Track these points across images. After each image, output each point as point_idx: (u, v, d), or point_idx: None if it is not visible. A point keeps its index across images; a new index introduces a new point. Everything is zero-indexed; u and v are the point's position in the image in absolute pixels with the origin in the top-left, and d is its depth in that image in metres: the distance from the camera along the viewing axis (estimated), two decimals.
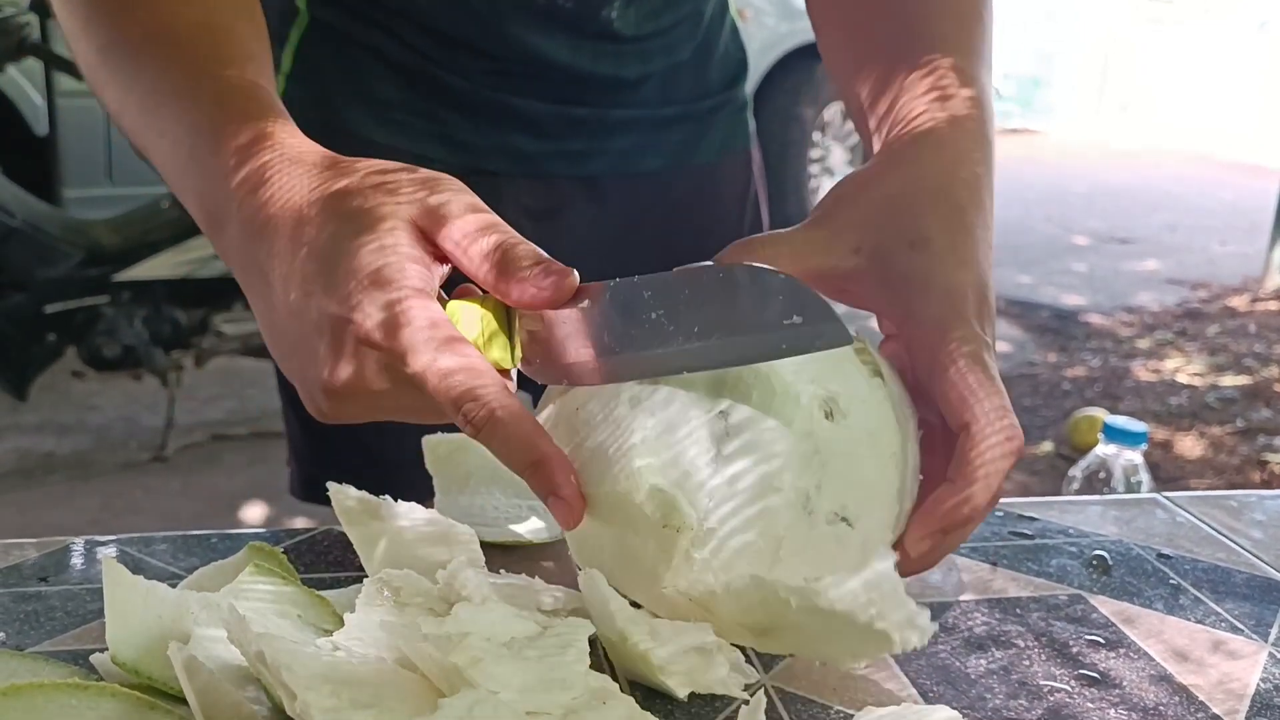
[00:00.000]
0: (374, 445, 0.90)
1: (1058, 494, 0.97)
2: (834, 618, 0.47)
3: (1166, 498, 0.83)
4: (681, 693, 0.52)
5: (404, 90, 0.87)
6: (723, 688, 0.52)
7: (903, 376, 0.54)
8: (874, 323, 0.58)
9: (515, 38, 0.84)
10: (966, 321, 0.52)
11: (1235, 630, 0.64)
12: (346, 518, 0.61)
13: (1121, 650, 0.61)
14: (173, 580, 0.60)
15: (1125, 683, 0.58)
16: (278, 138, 0.53)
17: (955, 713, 0.51)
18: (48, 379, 3.05)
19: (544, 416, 0.54)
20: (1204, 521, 0.79)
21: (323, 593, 0.57)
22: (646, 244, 0.90)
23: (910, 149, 0.58)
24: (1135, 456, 1.37)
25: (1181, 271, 5.74)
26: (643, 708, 0.48)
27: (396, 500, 0.61)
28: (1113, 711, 0.55)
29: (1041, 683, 0.57)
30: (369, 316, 0.47)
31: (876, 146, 0.62)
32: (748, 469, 0.49)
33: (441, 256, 0.50)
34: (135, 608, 0.51)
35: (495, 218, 0.50)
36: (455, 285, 0.52)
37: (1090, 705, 0.55)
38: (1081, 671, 0.59)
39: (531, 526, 0.68)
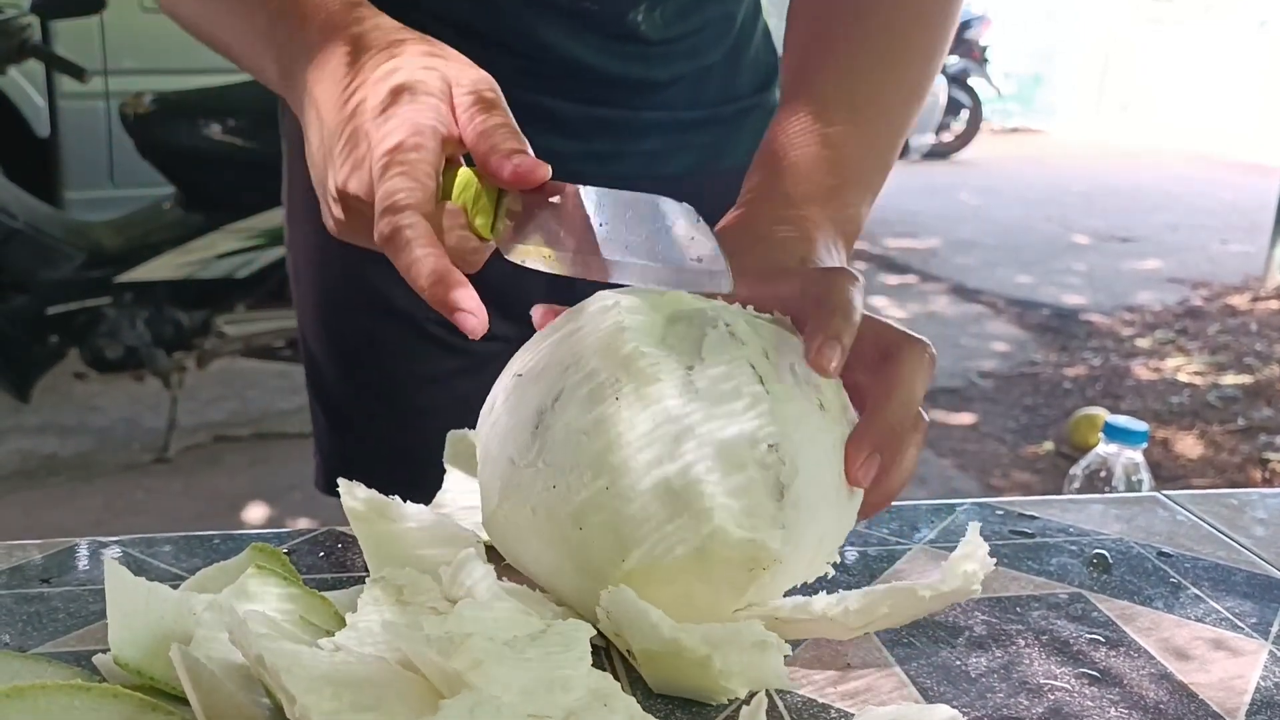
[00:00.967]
0: (398, 440, 0.90)
1: (1058, 493, 0.97)
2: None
3: (1167, 496, 0.83)
4: (743, 693, 0.52)
5: None
6: (779, 682, 0.53)
7: None
8: None
9: (543, 38, 0.85)
10: (841, 269, 0.60)
11: (1236, 628, 0.64)
12: (354, 516, 0.61)
13: (1122, 649, 0.61)
14: (175, 581, 0.60)
15: (1126, 681, 0.58)
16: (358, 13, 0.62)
17: (955, 711, 0.51)
18: (50, 380, 3.05)
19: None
20: (1204, 520, 0.79)
21: (325, 593, 0.57)
22: None
23: (771, 228, 0.67)
24: (1136, 455, 1.37)
25: (1182, 270, 5.74)
26: (644, 709, 0.48)
27: (408, 499, 0.62)
28: (1113, 710, 0.55)
29: (1042, 681, 0.57)
30: (381, 130, 0.55)
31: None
32: (800, 487, 0.53)
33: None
34: (137, 609, 0.51)
35: (498, 100, 0.57)
36: None
37: (1091, 704, 0.55)
38: (1082, 670, 0.59)
39: None
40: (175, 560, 0.66)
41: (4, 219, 2.77)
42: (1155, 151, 10.48)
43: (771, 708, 0.53)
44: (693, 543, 0.51)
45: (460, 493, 0.67)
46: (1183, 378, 4.07)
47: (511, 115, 0.58)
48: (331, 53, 0.60)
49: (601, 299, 0.57)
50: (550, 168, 0.56)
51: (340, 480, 0.61)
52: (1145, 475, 1.38)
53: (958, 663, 0.59)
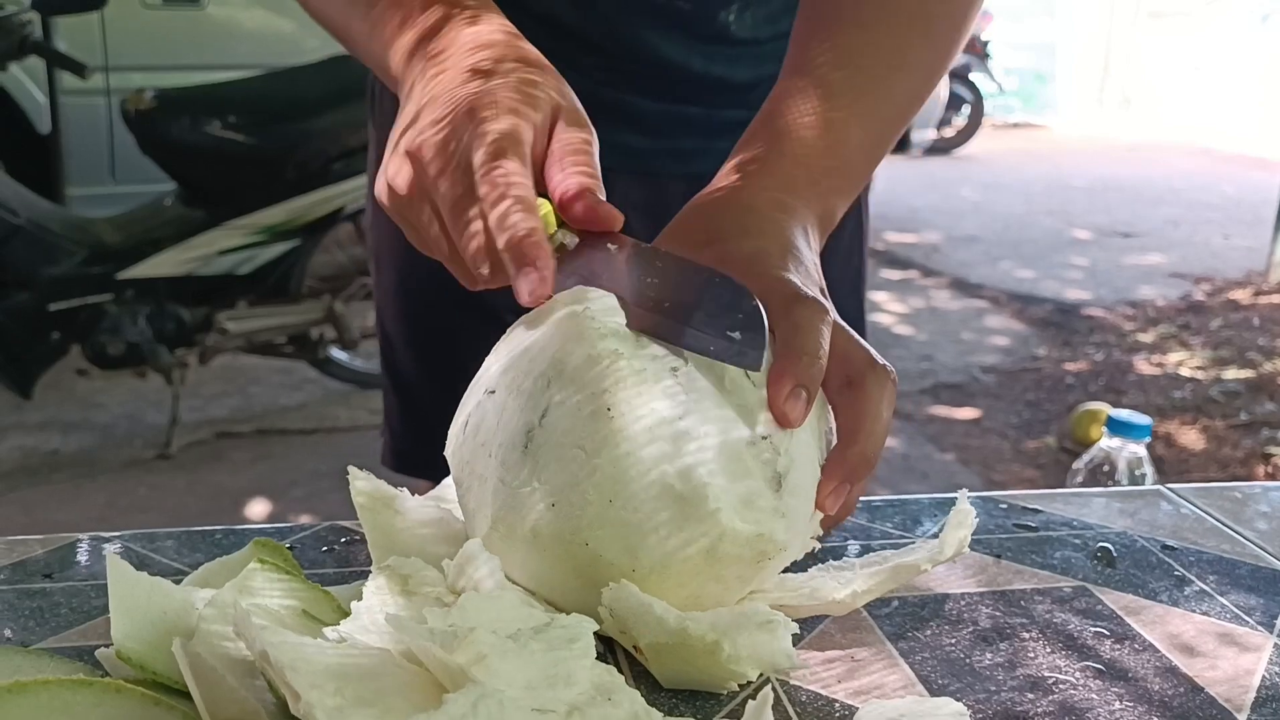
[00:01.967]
0: None
1: (1061, 488, 0.97)
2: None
3: (1171, 489, 0.83)
4: (753, 675, 0.52)
5: None
6: (788, 662, 0.53)
7: None
8: None
9: (633, 36, 0.85)
10: (781, 280, 0.59)
11: (1241, 622, 0.64)
12: (360, 506, 0.60)
13: (1127, 642, 0.61)
14: (177, 576, 0.60)
15: (1131, 675, 0.58)
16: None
17: (960, 705, 0.51)
18: (52, 377, 3.05)
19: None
20: (1209, 513, 0.79)
21: (327, 588, 0.57)
22: None
23: (750, 212, 0.66)
24: (1139, 450, 1.37)
25: (1184, 265, 5.73)
26: (648, 703, 0.48)
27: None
28: (1118, 703, 0.55)
29: (1047, 675, 0.57)
30: (487, 95, 0.56)
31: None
32: (794, 475, 0.54)
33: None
34: (139, 603, 0.51)
35: (590, 146, 0.58)
36: None
37: (1096, 697, 0.55)
38: (1087, 664, 0.58)
39: None
40: (177, 555, 0.66)
41: (5, 215, 2.77)
42: (1157, 146, 10.47)
43: (776, 702, 0.53)
44: (703, 544, 0.51)
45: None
46: (1185, 372, 4.07)
47: (598, 159, 0.58)
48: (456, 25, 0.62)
49: (564, 303, 0.56)
50: (623, 218, 0.56)
51: (350, 468, 0.61)
52: (1148, 469, 1.38)
53: (963, 657, 0.58)
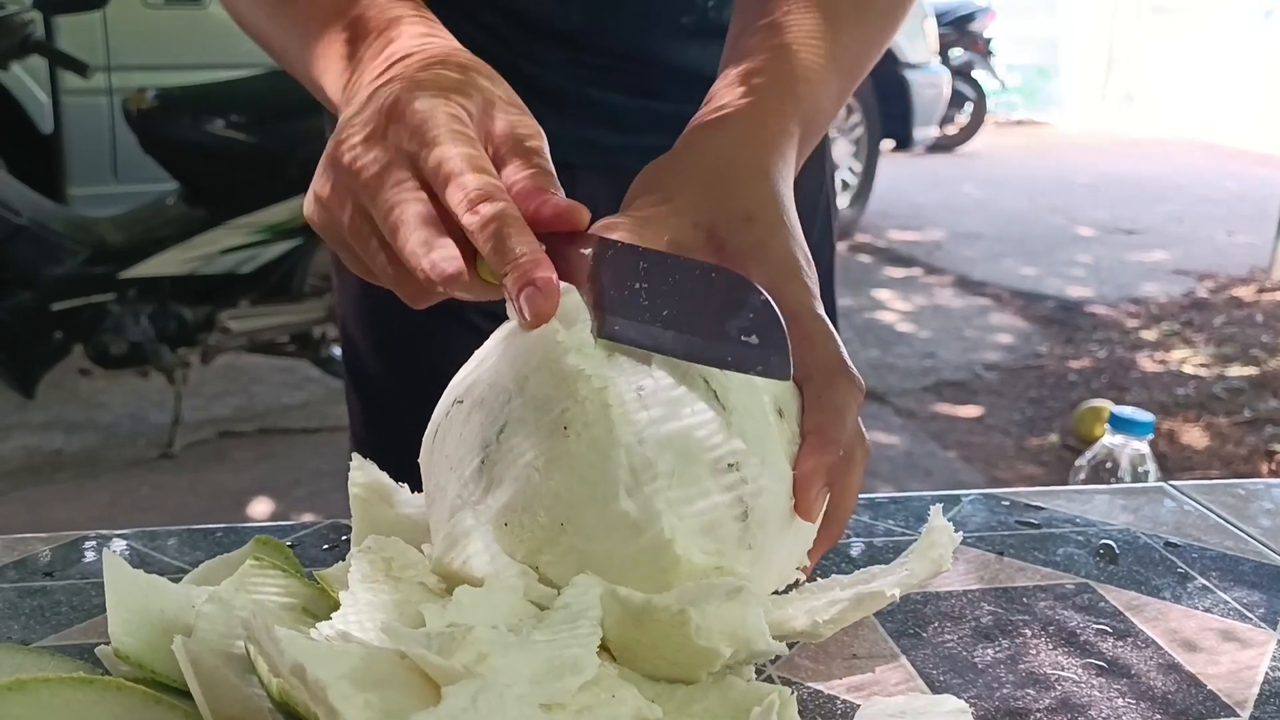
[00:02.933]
0: None
1: (1064, 485, 0.97)
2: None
3: (1174, 486, 0.83)
4: (727, 652, 0.49)
5: None
6: (761, 639, 0.49)
7: None
8: None
9: (602, 25, 0.84)
10: (806, 288, 0.55)
11: (1244, 619, 0.63)
12: (354, 497, 0.60)
13: (1130, 639, 0.61)
14: (180, 575, 0.60)
15: (1134, 672, 0.57)
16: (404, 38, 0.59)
17: (962, 702, 0.51)
18: (55, 376, 3.05)
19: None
20: (1212, 510, 0.79)
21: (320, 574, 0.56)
22: None
23: (719, 130, 0.62)
24: (1142, 447, 1.37)
25: (1188, 262, 5.72)
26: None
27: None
28: (1121, 700, 0.55)
29: (1049, 672, 0.57)
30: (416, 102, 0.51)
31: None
32: (765, 504, 0.50)
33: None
34: (137, 601, 0.51)
35: (539, 138, 0.54)
36: None
37: (1098, 694, 0.55)
38: (1090, 660, 0.58)
39: None
40: (179, 554, 0.66)
41: (8, 215, 2.77)
42: (1160, 142, 10.45)
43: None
44: (655, 576, 0.48)
45: None
46: (1188, 369, 4.06)
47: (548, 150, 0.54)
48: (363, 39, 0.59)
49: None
50: (590, 213, 0.51)
51: (355, 456, 0.61)
52: (1151, 466, 1.38)
53: (964, 653, 0.58)
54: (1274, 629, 0.63)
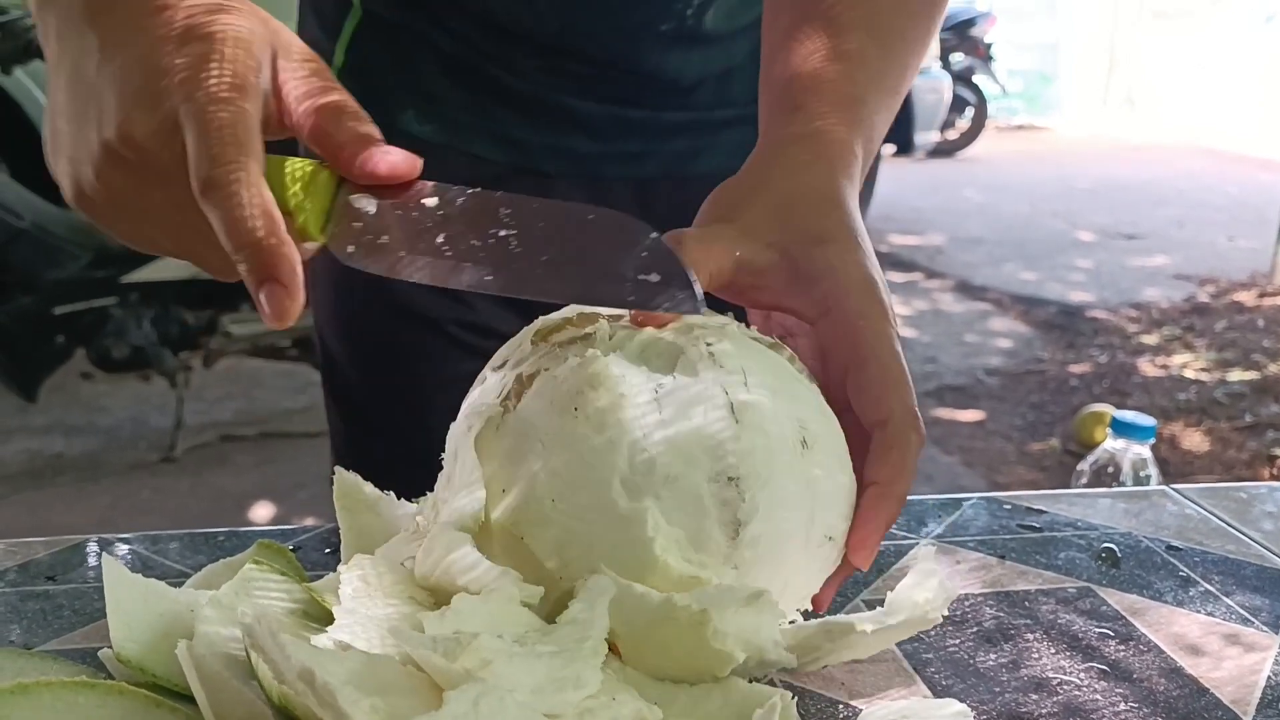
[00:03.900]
0: (415, 442, 0.89)
1: (1065, 490, 0.97)
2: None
3: (1175, 490, 0.83)
4: (740, 657, 0.48)
5: (457, 86, 0.85)
6: (775, 651, 0.49)
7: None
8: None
9: (578, 32, 0.82)
10: (885, 314, 0.54)
11: (1246, 623, 0.63)
12: (342, 504, 0.60)
13: (1132, 643, 0.61)
14: (182, 579, 0.60)
15: (1136, 676, 0.57)
16: None
17: (964, 706, 0.51)
18: (57, 380, 3.06)
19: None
20: (1214, 514, 0.79)
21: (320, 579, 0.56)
22: None
23: (789, 151, 0.60)
24: (1144, 451, 1.37)
25: (1189, 266, 5.73)
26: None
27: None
28: (1124, 705, 0.55)
29: (1051, 676, 0.57)
30: (189, 69, 0.46)
31: (762, 126, 0.64)
32: (759, 526, 0.48)
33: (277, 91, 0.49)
34: (137, 605, 0.51)
35: (335, 81, 0.49)
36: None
37: (1101, 698, 0.55)
38: (1092, 664, 0.58)
39: None
40: (181, 558, 0.66)
41: (10, 219, 2.78)
42: (1161, 147, 10.46)
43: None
44: (630, 569, 0.47)
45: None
46: (1189, 374, 4.06)
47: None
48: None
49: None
50: (421, 160, 0.48)
51: (337, 468, 0.61)
52: (1153, 471, 1.38)
53: (967, 657, 0.58)
54: (1277, 633, 0.62)
